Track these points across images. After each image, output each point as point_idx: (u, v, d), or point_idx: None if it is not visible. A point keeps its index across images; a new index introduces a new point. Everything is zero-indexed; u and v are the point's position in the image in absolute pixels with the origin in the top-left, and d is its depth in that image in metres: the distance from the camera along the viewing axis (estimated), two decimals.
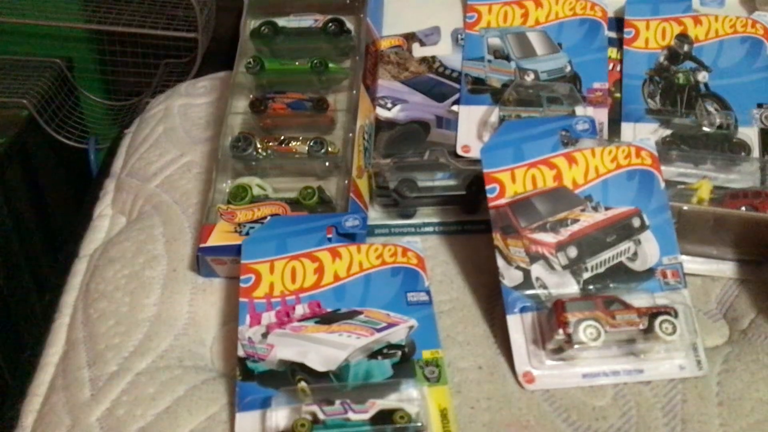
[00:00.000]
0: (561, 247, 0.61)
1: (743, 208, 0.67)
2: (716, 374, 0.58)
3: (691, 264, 0.71)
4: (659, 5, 0.83)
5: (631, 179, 0.64)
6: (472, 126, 0.78)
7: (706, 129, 0.75)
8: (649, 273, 0.61)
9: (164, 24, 1.27)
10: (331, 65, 0.77)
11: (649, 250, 0.62)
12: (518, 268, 0.61)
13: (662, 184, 0.64)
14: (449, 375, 0.58)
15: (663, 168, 0.72)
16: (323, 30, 0.78)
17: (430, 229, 0.73)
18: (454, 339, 0.62)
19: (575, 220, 0.62)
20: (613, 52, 0.82)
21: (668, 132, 0.76)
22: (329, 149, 0.71)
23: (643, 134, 0.76)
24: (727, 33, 0.81)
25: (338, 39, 0.78)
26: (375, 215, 0.74)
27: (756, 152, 0.74)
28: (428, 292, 0.61)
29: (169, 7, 1.31)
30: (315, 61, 0.76)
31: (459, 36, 0.84)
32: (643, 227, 0.62)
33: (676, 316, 0.56)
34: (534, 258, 0.61)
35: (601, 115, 0.78)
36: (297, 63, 0.77)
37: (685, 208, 0.64)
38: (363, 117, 0.74)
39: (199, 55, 1.20)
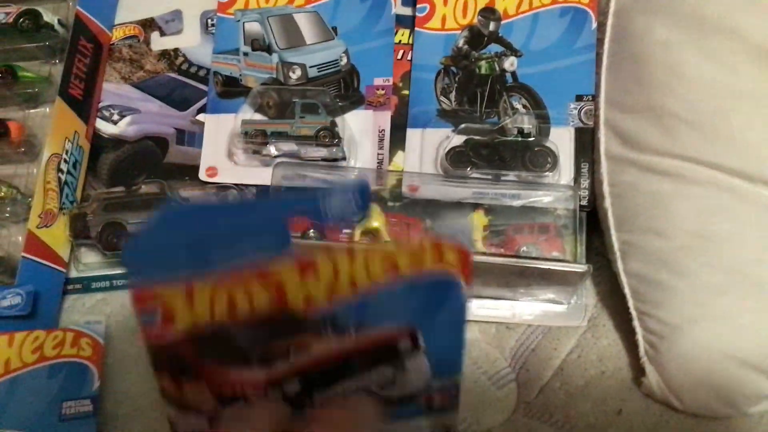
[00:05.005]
0: None
1: (524, 248, 0.53)
2: None
3: (485, 310, 0.58)
4: None
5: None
6: (220, 141, 0.62)
7: (504, 137, 0.60)
8: None
9: None
10: (21, 73, 0.59)
11: None
12: None
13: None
14: None
15: (458, 187, 0.58)
16: (15, 26, 0.60)
17: None
18: None
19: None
20: (404, 36, 0.66)
21: (461, 140, 0.60)
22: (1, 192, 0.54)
23: (433, 142, 0.61)
24: (544, 4, 0.65)
25: (36, 37, 0.60)
26: (93, 261, 0.58)
27: (569, 158, 0.60)
28: (94, 398, 0.46)
29: None
30: (1, 68, 0.58)
31: (209, 21, 0.66)
32: None
33: None
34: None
35: (383, 121, 0.62)
36: None
37: None
38: (59, 141, 0.57)
39: None
